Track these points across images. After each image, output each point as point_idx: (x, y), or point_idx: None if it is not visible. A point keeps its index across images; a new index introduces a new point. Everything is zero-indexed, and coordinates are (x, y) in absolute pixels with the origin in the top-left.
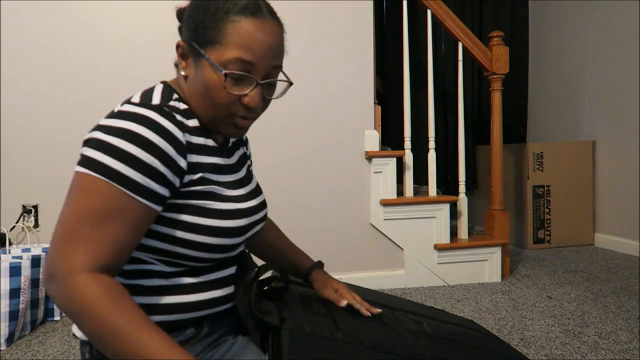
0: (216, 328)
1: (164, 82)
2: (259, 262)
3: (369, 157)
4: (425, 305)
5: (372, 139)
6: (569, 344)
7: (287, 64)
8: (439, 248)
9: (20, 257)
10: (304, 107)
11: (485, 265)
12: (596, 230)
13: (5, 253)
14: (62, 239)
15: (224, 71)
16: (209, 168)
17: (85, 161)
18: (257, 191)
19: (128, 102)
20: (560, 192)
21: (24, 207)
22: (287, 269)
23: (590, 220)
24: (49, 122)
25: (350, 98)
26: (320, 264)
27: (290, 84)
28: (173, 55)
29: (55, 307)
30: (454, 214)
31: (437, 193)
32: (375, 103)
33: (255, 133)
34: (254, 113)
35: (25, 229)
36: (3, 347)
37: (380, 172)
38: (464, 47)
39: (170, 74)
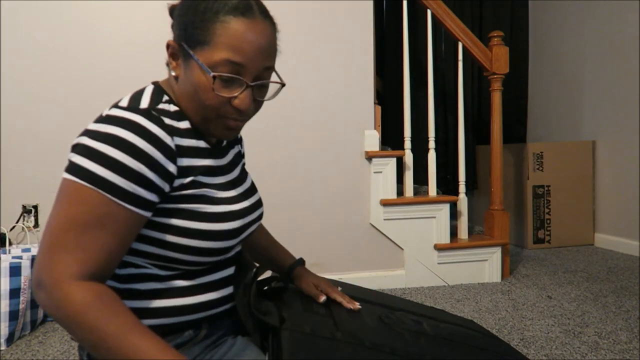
0: (215, 329)
1: (155, 83)
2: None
3: (369, 157)
4: (425, 305)
5: (372, 139)
6: (569, 344)
7: (287, 64)
8: (439, 248)
9: (20, 257)
10: (304, 107)
11: (485, 265)
12: (596, 230)
13: (5, 253)
14: (49, 247)
15: (212, 73)
16: (200, 171)
17: (71, 168)
18: (251, 191)
19: (116, 105)
20: (560, 192)
21: (24, 207)
22: (268, 266)
23: (590, 220)
24: (49, 122)
25: (350, 98)
26: (301, 261)
27: (283, 85)
28: None
29: None
30: (454, 214)
31: (437, 193)
32: (375, 103)
33: (255, 133)
34: (244, 115)
35: (25, 229)
36: (3, 347)
37: (380, 172)
38: (464, 47)
39: None
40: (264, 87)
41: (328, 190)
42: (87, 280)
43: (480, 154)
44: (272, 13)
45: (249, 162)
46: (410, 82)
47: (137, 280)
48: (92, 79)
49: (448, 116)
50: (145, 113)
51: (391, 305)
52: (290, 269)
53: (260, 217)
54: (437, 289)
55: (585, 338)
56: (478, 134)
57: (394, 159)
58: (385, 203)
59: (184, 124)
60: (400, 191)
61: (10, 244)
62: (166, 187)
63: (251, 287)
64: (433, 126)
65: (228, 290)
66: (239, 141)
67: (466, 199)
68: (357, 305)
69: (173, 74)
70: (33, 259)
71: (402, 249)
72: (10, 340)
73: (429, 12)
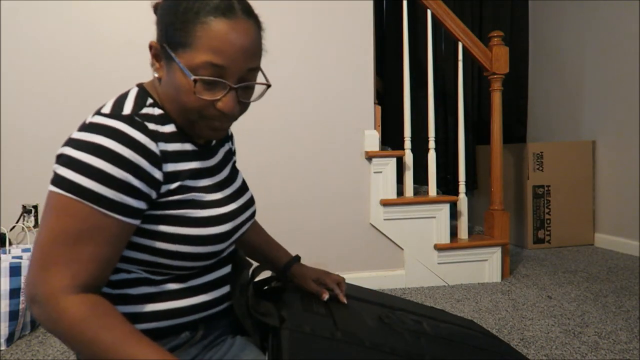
0: (212, 329)
1: (140, 85)
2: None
3: (369, 157)
4: (425, 305)
5: (372, 139)
6: (569, 344)
7: (287, 64)
8: (439, 248)
9: (20, 257)
10: (304, 107)
11: (485, 265)
12: (596, 230)
13: (5, 253)
14: (40, 262)
15: (192, 77)
16: (187, 175)
17: (56, 180)
18: (241, 190)
19: (99, 112)
20: (560, 192)
21: (24, 207)
22: (264, 263)
23: (590, 220)
24: (49, 122)
25: (350, 98)
26: (297, 258)
27: (268, 86)
28: None
29: None
30: (454, 214)
31: (437, 193)
32: (375, 103)
33: (255, 133)
34: (229, 117)
35: (25, 229)
36: (3, 347)
37: (380, 172)
38: (464, 47)
39: None
40: (250, 89)
41: (328, 190)
42: (80, 292)
43: (480, 154)
44: (272, 13)
45: (249, 162)
46: (410, 82)
47: (130, 285)
48: (92, 79)
49: (448, 116)
50: (127, 119)
51: (391, 305)
52: (286, 267)
53: (252, 216)
54: (437, 289)
55: (585, 338)
56: (478, 134)
57: (394, 159)
58: (385, 203)
59: (169, 128)
60: (400, 191)
61: (10, 244)
62: (153, 194)
63: (248, 288)
64: (433, 126)
65: (223, 291)
66: (229, 138)
67: (466, 199)
68: (344, 299)
69: (156, 75)
70: None
71: (402, 249)
72: (10, 340)
73: (429, 12)
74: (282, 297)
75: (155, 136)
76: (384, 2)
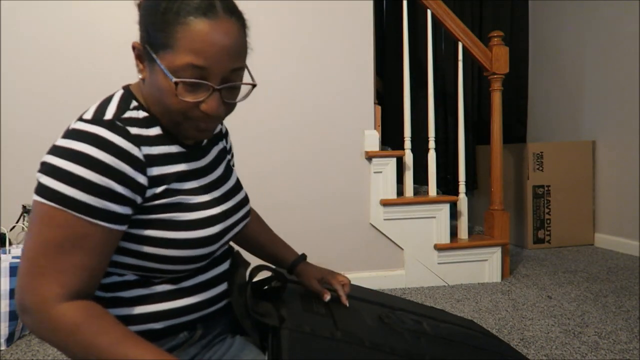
0: (211, 329)
1: (126, 87)
2: (252, 258)
3: (369, 157)
4: (425, 305)
5: (372, 139)
6: (569, 344)
7: (287, 64)
8: (439, 248)
9: (20, 257)
10: (304, 107)
11: (485, 265)
12: (596, 230)
13: (5, 253)
14: (28, 273)
15: (173, 79)
16: (174, 178)
17: (39, 189)
18: (234, 190)
19: (81, 118)
20: (560, 192)
21: (24, 207)
22: (270, 262)
23: (590, 220)
24: (49, 122)
25: (350, 98)
26: (303, 257)
27: (254, 86)
28: None
29: None
30: (454, 214)
31: (437, 193)
32: (375, 103)
33: (255, 133)
34: (214, 119)
35: (26, 229)
36: (3, 347)
37: (380, 172)
38: (464, 47)
39: None
40: (235, 89)
41: (328, 190)
42: (71, 299)
43: (480, 154)
44: (272, 13)
45: (249, 163)
46: (410, 82)
47: (122, 288)
48: (92, 79)
49: (448, 116)
50: (108, 125)
51: (391, 305)
52: (293, 266)
53: (246, 215)
54: (437, 289)
55: (585, 338)
56: (478, 134)
57: (394, 159)
58: (385, 203)
59: (154, 130)
60: (400, 191)
61: (10, 244)
62: (138, 199)
63: (246, 288)
64: (433, 126)
65: (219, 290)
66: (224, 136)
67: (466, 199)
68: (346, 302)
69: (140, 76)
70: None
71: (402, 249)
72: (10, 340)
73: (429, 12)
74: (281, 297)
75: (138, 140)
76: (384, 2)
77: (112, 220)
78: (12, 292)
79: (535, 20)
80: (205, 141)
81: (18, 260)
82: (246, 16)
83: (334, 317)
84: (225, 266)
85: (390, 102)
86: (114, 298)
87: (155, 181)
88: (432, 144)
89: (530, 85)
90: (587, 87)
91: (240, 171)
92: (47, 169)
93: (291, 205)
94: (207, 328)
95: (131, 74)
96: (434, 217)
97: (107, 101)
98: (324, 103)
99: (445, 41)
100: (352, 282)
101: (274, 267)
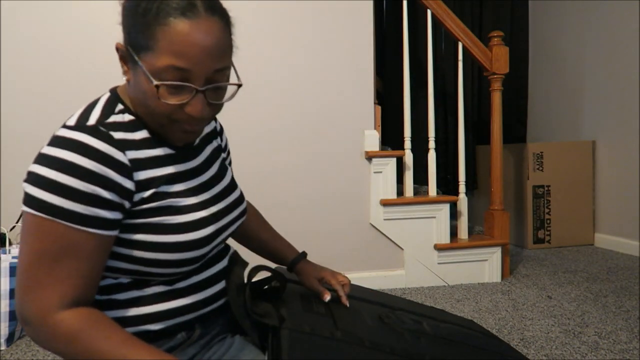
0: (210, 328)
1: (113, 90)
2: (252, 258)
3: (369, 157)
4: (425, 305)
5: (372, 139)
6: (569, 344)
7: (287, 64)
8: (439, 248)
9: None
10: (304, 107)
11: (485, 265)
12: (596, 230)
13: (5, 253)
14: (24, 285)
15: (154, 82)
16: (163, 180)
17: (27, 200)
18: (228, 189)
19: (64, 124)
20: (560, 192)
21: None
22: (270, 259)
23: (590, 220)
24: (49, 122)
25: (350, 98)
26: (303, 255)
27: (239, 86)
28: None
29: None
30: (454, 214)
31: (437, 193)
32: (375, 103)
33: (255, 133)
34: (199, 120)
35: None
36: (3, 347)
37: (380, 172)
38: (464, 47)
39: None
40: (220, 89)
41: (328, 190)
42: (70, 307)
43: (480, 154)
44: (272, 14)
45: (249, 163)
46: (410, 82)
47: (117, 290)
48: (93, 79)
49: (448, 116)
50: (91, 130)
51: (391, 305)
52: (293, 264)
53: (241, 215)
54: (437, 289)
55: (585, 338)
56: (478, 134)
57: (394, 159)
58: (385, 203)
59: (141, 134)
60: (400, 191)
61: (11, 244)
62: (126, 204)
63: (245, 288)
64: (433, 126)
65: (215, 289)
66: (218, 134)
67: (466, 199)
68: (347, 302)
69: (125, 78)
70: None
71: (402, 249)
72: (10, 340)
73: (429, 12)
74: (281, 296)
75: (123, 145)
76: (384, 2)
77: (102, 227)
78: (12, 292)
79: (535, 20)
80: (197, 140)
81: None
82: (246, 16)
83: (334, 317)
84: (220, 266)
85: (390, 102)
86: (108, 300)
87: (142, 185)
88: (432, 144)
89: (530, 85)
90: (587, 87)
91: (241, 171)
92: (33, 179)
93: (291, 205)
94: (205, 328)
95: None
96: (434, 217)
97: (91, 106)
98: (324, 103)
99: (445, 41)
100: (352, 282)
101: (273, 267)
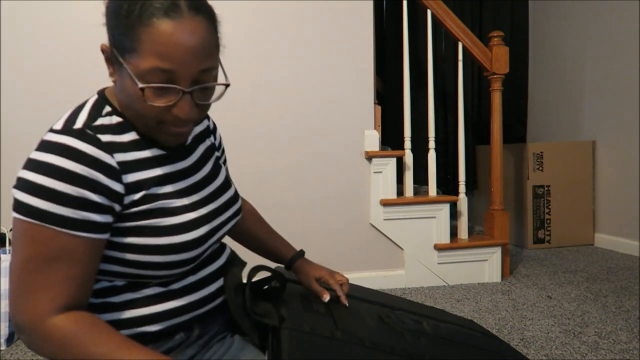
0: (208, 328)
1: (100, 92)
2: (251, 258)
3: (369, 157)
4: (425, 305)
5: (372, 139)
6: (569, 344)
7: (287, 64)
8: (439, 248)
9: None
10: (304, 107)
11: (485, 265)
12: (596, 230)
13: (5, 253)
14: (17, 291)
15: (139, 85)
16: (153, 182)
17: (17, 206)
18: (222, 189)
19: (51, 129)
20: (560, 192)
21: None
22: (268, 257)
23: (590, 220)
24: (49, 122)
25: (350, 98)
26: (302, 253)
27: (227, 86)
28: None
29: None
30: (454, 214)
31: (437, 193)
32: (375, 103)
33: (255, 134)
34: (187, 122)
35: None
36: (3, 347)
37: (380, 172)
38: (464, 47)
39: None
40: (207, 90)
41: (328, 190)
42: (63, 312)
43: (480, 154)
44: (272, 14)
45: (249, 163)
46: (410, 82)
47: (111, 293)
48: (93, 79)
49: (448, 116)
50: (78, 134)
51: (391, 305)
52: (291, 262)
53: (235, 214)
54: (437, 289)
55: (585, 338)
56: (478, 134)
57: (394, 159)
58: (385, 203)
59: (129, 136)
60: (400, 191)
61: (10, 243)
62: (116, 207)
63: (244, 288)
64: (433, 126)
65: (212, 288)
66: (211, 133)
67: (466, 199)
68: (345, 301)
69: (112, 80)
70: None
71: (402, 249)
72: (10, 340)
73: (429, 12)
74: (281, 296)
75: (111, 147)
76: (384, 2)
77: (93, 230)
78: None
79: (535, 20)
80: (190, 140)
81: None
82: (246, 16)
83: (333, 316)
84: (216, 265)
85: (390, 102)
86: (104, 303)
87: (132, 188)
88: (432, 144)
89: (530, 85)
90: (587, 87)
91: (241, 171)
92: (21, 184)
93: (291, 205)
94: (204, 328)
95: None
96: (434, 217)
97: (79, 108)
98: (324, 103)
99: (445, 41)
100: (352, 282)
101: (272, 267)
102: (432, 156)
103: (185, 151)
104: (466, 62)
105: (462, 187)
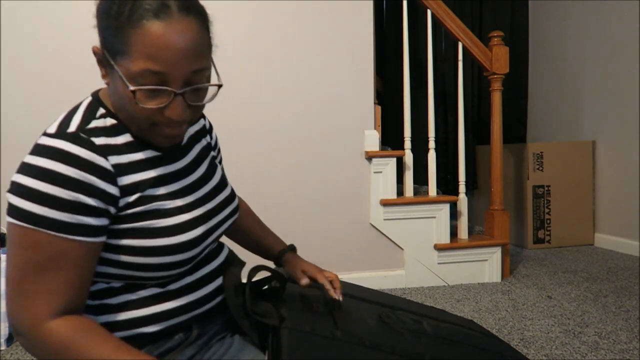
0: (207, 328)
1: (94, 94)
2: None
3: (369, 157)
4: (425, 305)
5: (372, 139)
6: (569, 344)
7: (287, 64)
8: (439, 248)
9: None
10: (304, 107)
11: (485, 265)
12: (596, 230)
13: (5, 253)
14: (13, 296)
15: (130, 87)
16: (148, 184)
17: (11, 210)
18: (218, 189)
19: (45, 132)
20: (560, 192)
21: None
22: (259, 253)
23: (590, 220)
24: (49, 122)
25: (350, 98)
26: (292, 247)
27: (219, 86)
28: None
29: None
30: (454, 214)
31: (437, 193)
32: (375, 103)
33: (255, 134)
34: (180, 124)
35: None
36: (3, 347)
37: (380, 172)
38: (464, 47)
39: None
40: (199, 91)
41: (328, 190)
42: (60, 316)
43: (480, 154)
44: (272, 14)
45: (249, 163)
46: (410, 82)
47: (108, 295)
48: (93, 80)
49: (448, 116)
50: (71, 137)
51: (391, 305)
52: (280, 254)
53: (232, 213)
54: (437, 289)
55: (585, 338)
56: (478, 134)
57: (394, 159)
58: (385, 203)
59: (123, 138)
60: (400, 191)
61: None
62: (111, 209)
63: (244, 288)
64: (433, 126)
65: (208, 289)
66: (208, 132)
67: (466, 199)
68: (340, 296)
69: (105, 82)
70: None
71: (402, 249)
72: (10, 340)
73: (429, 12)
74: (281, 296)
75: (105, 150)
76: (384, 2)
77: (88, 234)
78: None
79: (535, 20)
80: (185, 140)
81: None
82: (247, 16)
83: (334, 316)
84: (213, 265)
85: (390, 102)
86: (101, 305)
87: (127, 190)
88: (432, 144)
89: (530, 85)
90: (587, 87)
91: (241, 171)
92: (15, 189)
93: (291, 205)
94: (203, 328)
95: None
96: (434, 217)
97: (73, 111)
98: (324, 103)
99: (445, 41)
100: (352, 282)
101: (272, 267)
102: (432, 156)
103: (180, 151)
104: (466, 62)
105: (462, 187)
